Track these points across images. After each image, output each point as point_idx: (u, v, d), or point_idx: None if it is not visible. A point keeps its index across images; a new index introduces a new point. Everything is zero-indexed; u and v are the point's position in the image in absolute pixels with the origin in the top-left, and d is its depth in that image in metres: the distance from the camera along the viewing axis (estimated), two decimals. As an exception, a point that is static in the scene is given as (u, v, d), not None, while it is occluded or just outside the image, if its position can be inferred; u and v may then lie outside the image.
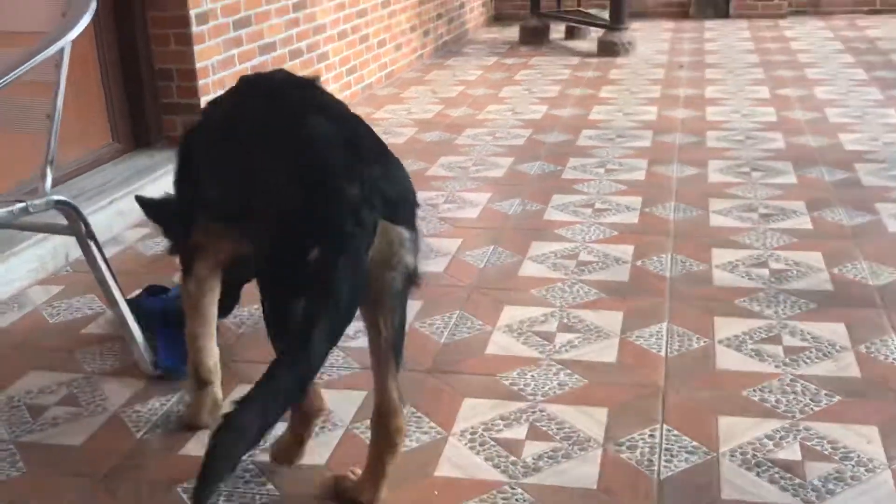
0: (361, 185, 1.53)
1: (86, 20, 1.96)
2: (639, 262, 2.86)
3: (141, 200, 2.13)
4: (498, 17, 8.32)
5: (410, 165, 3.96)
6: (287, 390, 1.47)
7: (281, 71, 1.95)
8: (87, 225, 2.03)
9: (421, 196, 1.75)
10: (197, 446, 2.00)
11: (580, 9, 7.15)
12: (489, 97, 5.27)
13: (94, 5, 1.99)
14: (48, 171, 1.99)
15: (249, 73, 3.79)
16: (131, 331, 2.20)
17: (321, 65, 4.89)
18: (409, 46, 6.20)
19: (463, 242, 3.09)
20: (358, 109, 5.21)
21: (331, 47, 5.00)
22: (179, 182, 1.99)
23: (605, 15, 6.81)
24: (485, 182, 3.72)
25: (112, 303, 2.15)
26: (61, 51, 1.98)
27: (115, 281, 2.14)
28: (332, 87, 5.03)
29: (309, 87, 1.74)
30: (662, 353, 2.31)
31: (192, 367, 2.03)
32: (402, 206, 1.61)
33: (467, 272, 2.85)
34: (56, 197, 1.97)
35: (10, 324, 2.64)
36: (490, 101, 5.16)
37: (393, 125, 4.68)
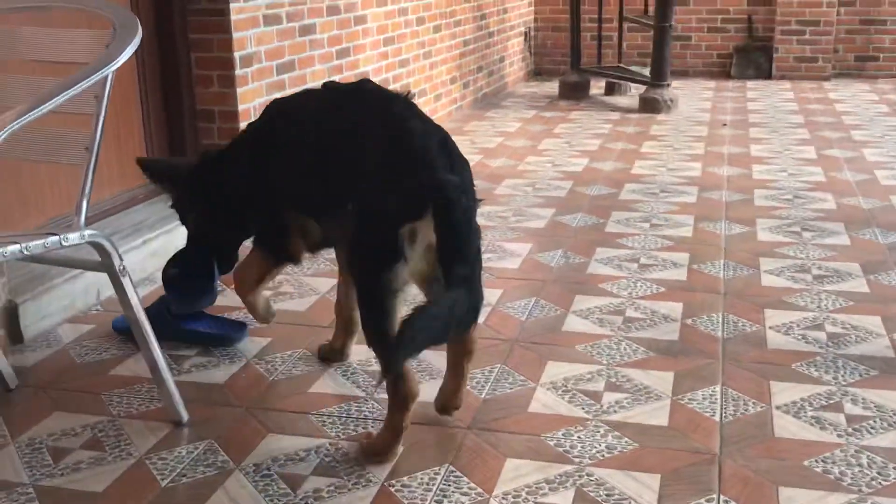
0: (461, 178, 1.90)
1: (129, 51, 1.90)
2: (689, 321, 2.73)
3: (141, 162, 2.41)
4: (538, 73, 8.30)
5: (450, 214, 3.88)
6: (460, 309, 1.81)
7: (370, 81, 2.14)
8: (121, 261, 1.95)
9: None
10: (224, 498, 1.89)
11: (620, 65, 7.09)
12: (528, 149, 5.20)
13: (139, 37, 1.93)
14: (84, 204, 1.92)
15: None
16: (161, 374, 2.11)
17: (361, 112, 4.85)
18: (449, 97, 6.17)
19: (504, 294, 2.99)
20: None
21: (372, 95, 4.96)
22: (250, 172, 2.20)
23: (646, 72, 6.75)
24: (525, 233, 3.63)
25: (143, 343, 2.06)
26: (103, 81, 1.92)
27: (148, 320, 2.05)
28: (371, 134, 4.99)
29: (405, 99, 2.03)
30: (717, 418, 2.17)
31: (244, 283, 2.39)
32: (475, 209, 1.94)
33: (509, 325, 2.74)
34: (90, 231, 1.89)
35: (38, 362, 2.55)
36: (529, 153, 5.08)
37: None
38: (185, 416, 2.18)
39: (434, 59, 5.84)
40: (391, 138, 1.90)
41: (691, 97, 6.92)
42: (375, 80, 4.96)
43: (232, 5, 3.63)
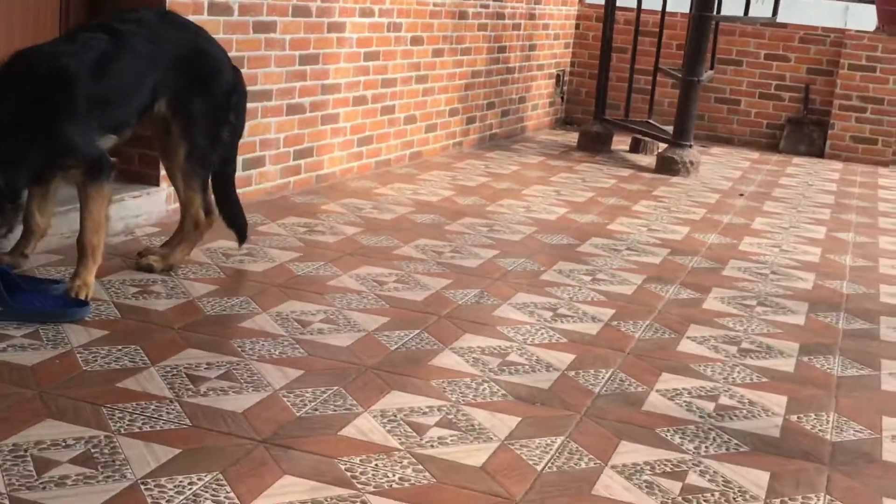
0: None
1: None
2: (793, 418, 2.62)
3: None
4: (568, 121, 8.35)
5: (384, 241, 3.94)
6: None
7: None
8: None
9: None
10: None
11: (650, 121, 7.13)
12: (508, 192, 5.23)
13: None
14: None
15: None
16: None
17: (326, 126, 4.95)
18: (446, 130, 6.24)
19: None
20: (361, 183, 5.14)
21: (342, 111, 5.06)
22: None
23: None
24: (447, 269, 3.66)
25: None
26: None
27: None
28: (339, 153, 5.10)
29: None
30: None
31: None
32: None
33: (579, 396, 2.62)
34: None
35: (38, 362, 2.50)
36: (507, 196, 5.12)
37: (389, 202, 4.68)
38: None
39: (430, 84, 5.94)
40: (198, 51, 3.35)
41: (723, 165, 6.91)
42: (350, 95, 5.08)
43: (168, -19, 3.78)
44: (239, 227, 3.54)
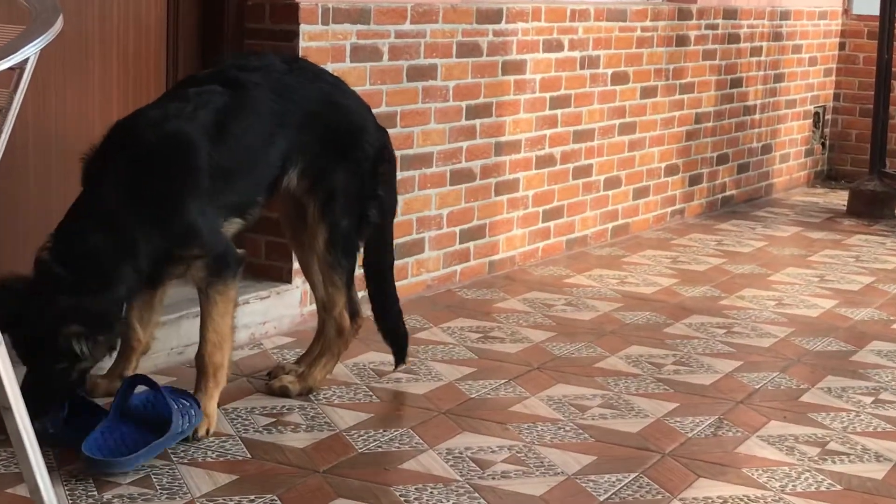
0: None
1: (29, 49, 2.26)
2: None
3: None
4: (831, 176, 8.33)
5: (582, 350, 4.06)
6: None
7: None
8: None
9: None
10: None
11: (950, 174, 7.06)
12: (751, 278, 5.28)
13: (53, 31, 2.30)
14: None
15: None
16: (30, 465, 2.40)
17: (502, 196, 5.13)
18: (661, 194, 6.35)
19: None
20: (549, 270, 5.27)
21: (522, 176, 5.25)
22: None
23: None
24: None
25: (17, 441, 2.37)
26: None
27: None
28: (519, 230, 5.27)
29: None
30: None
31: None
32: None
33: None
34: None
35: None
36: (749, 284, 5.17)
37: (587, 295, 4.80)
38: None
39: (639, 134, 6.07)
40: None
41: None
42: (533, 155, 5.27)
43: (303, 28, 4.06)
44: (399, 340, 3.70)
